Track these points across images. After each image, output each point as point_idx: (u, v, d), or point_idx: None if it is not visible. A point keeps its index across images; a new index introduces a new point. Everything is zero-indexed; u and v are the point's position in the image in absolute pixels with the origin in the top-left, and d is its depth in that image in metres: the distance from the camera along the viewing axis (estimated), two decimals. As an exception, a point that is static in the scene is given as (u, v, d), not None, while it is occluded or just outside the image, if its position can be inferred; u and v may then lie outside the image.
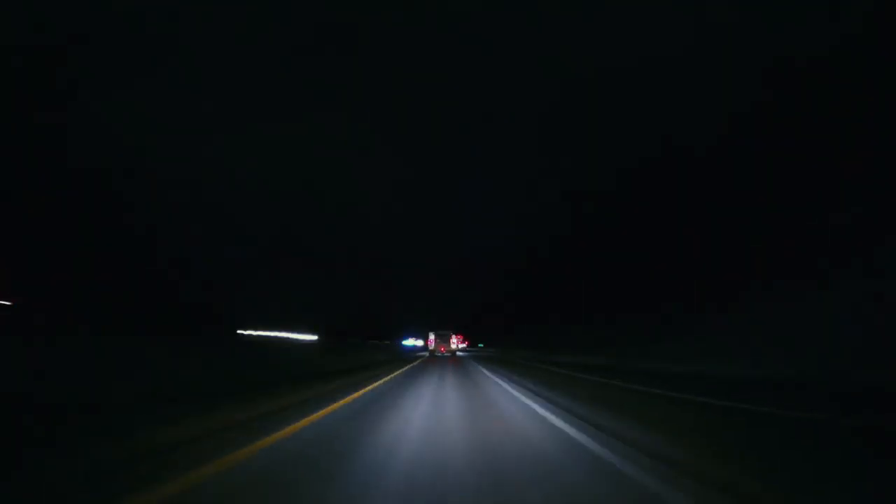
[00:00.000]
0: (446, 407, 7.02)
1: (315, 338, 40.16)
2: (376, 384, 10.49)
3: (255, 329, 36.10)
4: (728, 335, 18.28)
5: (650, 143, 27.72)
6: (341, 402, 7.29)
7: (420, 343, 57.67)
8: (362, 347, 37.55)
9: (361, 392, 8.75)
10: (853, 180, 14.39)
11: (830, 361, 10.90)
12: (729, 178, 19.79)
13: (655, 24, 27.95)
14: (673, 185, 24.28)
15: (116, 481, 3.09)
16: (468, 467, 3.42)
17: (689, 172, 22.70)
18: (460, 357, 36.36)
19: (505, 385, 10.70)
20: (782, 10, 18.54)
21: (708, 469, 3.42)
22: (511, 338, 60.91)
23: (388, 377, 13.30)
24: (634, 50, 30.96)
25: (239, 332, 32.78)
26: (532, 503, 2.75)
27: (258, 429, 4.83)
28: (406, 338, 67.35)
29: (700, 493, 2.92)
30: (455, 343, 42.48)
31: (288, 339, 35.41)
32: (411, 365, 21.55)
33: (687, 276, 22.78)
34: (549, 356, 32.29)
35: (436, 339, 40.67)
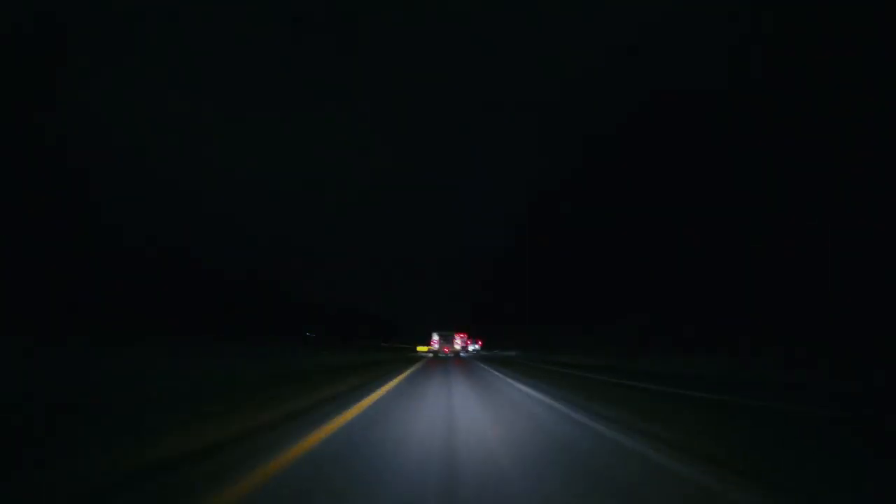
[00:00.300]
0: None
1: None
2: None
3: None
4: (728, 335, 18.29)
5: (650, 142, 27.72)
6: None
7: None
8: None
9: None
10: (853, 180, 14.39)
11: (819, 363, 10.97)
12: (729, 177, 19.81)
13: (655, 22, 27.97)
14: (672, 184, 24.28)
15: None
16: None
17: (689, 172, 22.70)
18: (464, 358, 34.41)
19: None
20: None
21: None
22: (512, 341, 60.76)
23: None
24: (634, 49, 30.98)
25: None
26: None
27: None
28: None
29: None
30: (459, 343, 40.90)
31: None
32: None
33: (687, 275, 22.79)
34: (549, 356, 32.24)
35: (439, 339, 40.21)
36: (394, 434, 4.35)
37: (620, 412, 5.99)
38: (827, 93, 15.45)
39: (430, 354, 38.56)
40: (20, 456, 3.11)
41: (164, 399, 5.67)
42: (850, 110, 14.63)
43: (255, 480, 2.82)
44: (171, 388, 6.46)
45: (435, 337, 40.24)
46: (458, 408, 6.34)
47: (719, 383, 10.27)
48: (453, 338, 40.18)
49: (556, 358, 28.14)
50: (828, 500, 2.87)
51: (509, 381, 11.46)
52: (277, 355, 17.05)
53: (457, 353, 39.28)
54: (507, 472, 3.23)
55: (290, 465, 3.19)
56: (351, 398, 6.84)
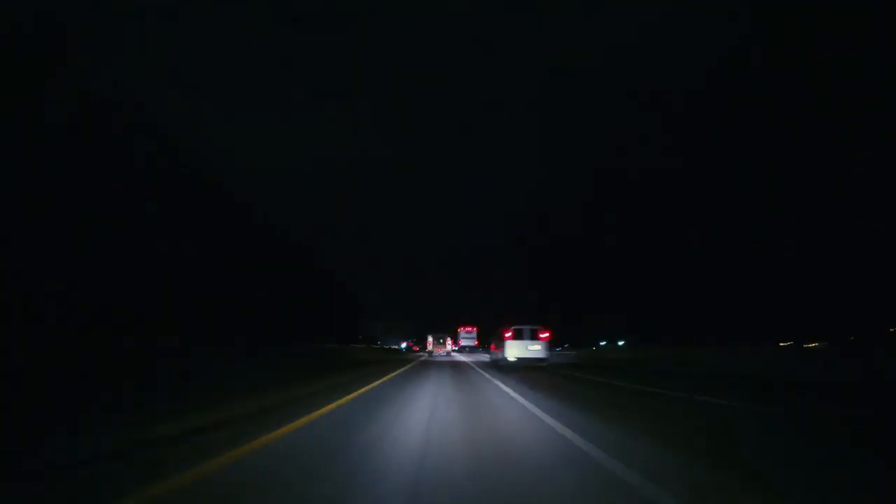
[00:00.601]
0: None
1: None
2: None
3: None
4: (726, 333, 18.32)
5: (651, 142, 27.73)
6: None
7: None
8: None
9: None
10: (853, 180, 14.41)
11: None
12: (729, 177, 19.82)
13: (655, 22, 27.95)
14: (671, 187, 24.30)
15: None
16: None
17: (688, 174, 22.71)
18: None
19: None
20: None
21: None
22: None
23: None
24: (637, 49, 30.98)
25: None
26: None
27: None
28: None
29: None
30: (450, 346, 43.37)
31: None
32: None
33: (687, 274, 22.81)
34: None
35: (433, 341, 43.14)
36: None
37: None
38: (827, 93, 15.46)
39: (426, 355, 41.01)
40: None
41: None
42: (850, 110, 14.65)
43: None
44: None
45: (430, 339, 44.20)
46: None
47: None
48: (446, 340, 43.68)
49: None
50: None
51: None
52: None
53: (448, 353, 41.16)
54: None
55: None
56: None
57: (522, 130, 57.80)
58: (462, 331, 40.64)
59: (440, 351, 41.39)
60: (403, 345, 57.74)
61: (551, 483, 2.84)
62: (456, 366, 18.45)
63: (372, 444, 3.81)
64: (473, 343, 38.90)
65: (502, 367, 16.72)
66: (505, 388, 8.61)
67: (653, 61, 31.97)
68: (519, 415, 5.46)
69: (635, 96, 32.25)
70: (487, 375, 12.35)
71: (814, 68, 16.05)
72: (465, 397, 7.27)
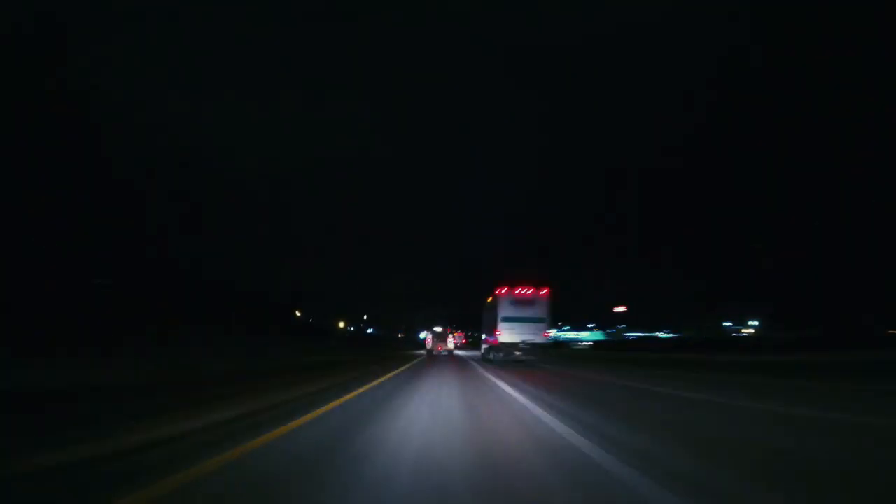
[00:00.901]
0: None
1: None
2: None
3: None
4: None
5: (650, 144, 27.73)
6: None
7: None
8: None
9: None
10: (853, 180, 14.41)
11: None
12: (729, 180, 19.83)
13: (655, 22, 27.95)
14: (668, 190, 24.31)
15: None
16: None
17: (686, 178, 22.72)
18: None
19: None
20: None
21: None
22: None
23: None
24: (636, 48, 31.01)
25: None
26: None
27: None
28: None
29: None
30: (451, 342, 41.10)
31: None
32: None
33: (688, 274, 22.83)
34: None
35: (433, 337, 40.58)
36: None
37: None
38: (830, 92, 15.46)
39: (424, 353, 39.25)
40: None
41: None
42: (850, 110, 14.65)
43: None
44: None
45: (429, 336, 41.06)
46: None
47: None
48: (447, 336, 41.14)
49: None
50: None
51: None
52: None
53: (450, 351, 39.36)
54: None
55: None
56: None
57: (522, 130, 57.83)
58: (508, 294, 16.63)
59: (440, 349, 39.28)
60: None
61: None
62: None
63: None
64: (543, 337, 17.28)
65: None
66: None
67: (652, 61, 32.01)
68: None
69: (635, 96, 32.26)
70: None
71: (814, 68, 16.03)
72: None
